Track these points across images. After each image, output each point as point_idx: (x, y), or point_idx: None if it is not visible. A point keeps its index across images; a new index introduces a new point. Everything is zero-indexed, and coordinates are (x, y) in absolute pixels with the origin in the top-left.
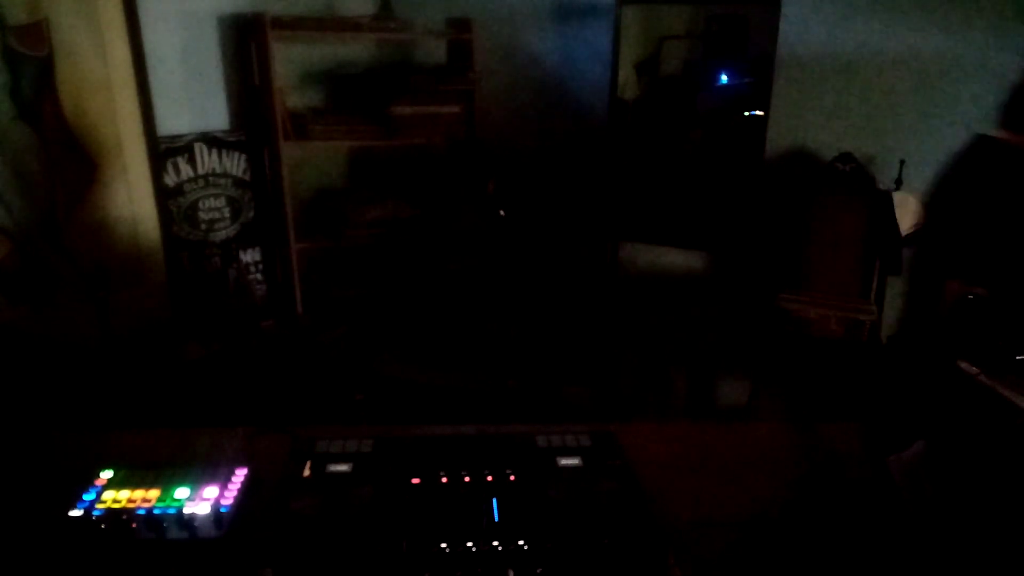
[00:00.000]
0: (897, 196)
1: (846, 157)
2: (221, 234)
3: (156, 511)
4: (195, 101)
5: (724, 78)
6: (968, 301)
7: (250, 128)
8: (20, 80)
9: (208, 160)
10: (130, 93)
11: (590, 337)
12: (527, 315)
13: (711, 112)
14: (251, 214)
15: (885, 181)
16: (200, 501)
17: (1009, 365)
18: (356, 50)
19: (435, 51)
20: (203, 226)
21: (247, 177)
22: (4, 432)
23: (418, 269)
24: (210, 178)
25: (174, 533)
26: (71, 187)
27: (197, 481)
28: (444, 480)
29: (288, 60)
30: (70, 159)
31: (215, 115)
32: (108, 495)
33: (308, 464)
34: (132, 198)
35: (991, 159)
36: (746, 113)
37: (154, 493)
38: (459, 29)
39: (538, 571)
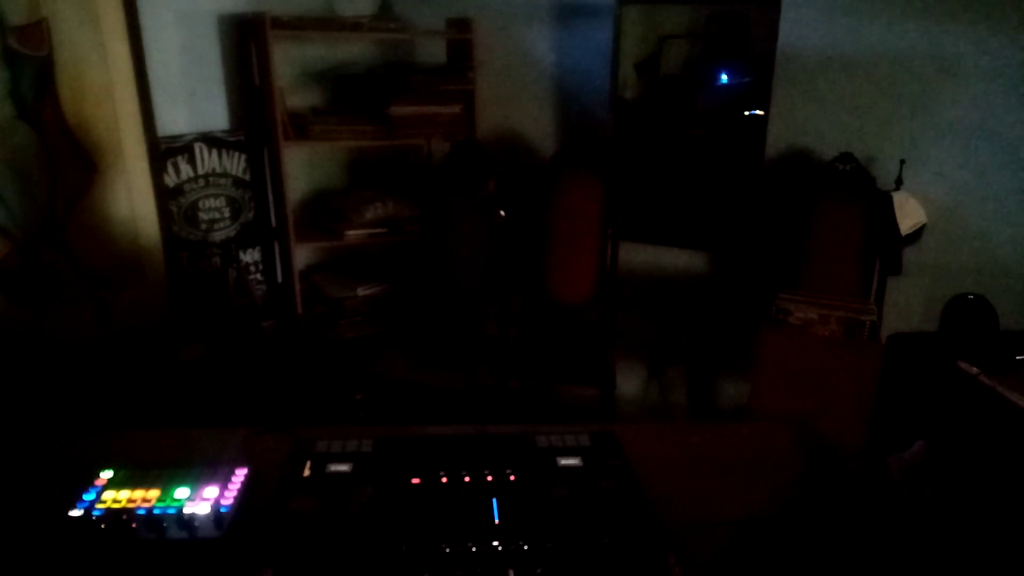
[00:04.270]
0: (897, 196)
1: (846, 157)
2: (221, 234)
3: (156, 511)
4: (195, 101)
5: (724, 78)
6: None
7: (250, 128)
8: (20, 80)
9: (208, 160)
10: (130, 93)
11: (590, 337)
12: (526, 316)
13: (711, 112)
14: (251, 214)
15: (885, 181)
16: (200, 501)
17: (1009, 365)
18: (356, 50)
19: (435, 51)
20: (203, 226)
21: (247, 177)
22: (4, 432)
23: (418, 269)
24: (210, 178)
25: (174, 533)
26: (71, 187)
27: (197, 481)
28: (444, 480)
29: (288, 60)
30: (70, 159)
31: (215, 115)
32: (108, 495)
33: (308, 464)
34: (132, 198)
35: None
36: (746, 113)
37: (154, 493)
38: (459, 29)
39: (538, 571)
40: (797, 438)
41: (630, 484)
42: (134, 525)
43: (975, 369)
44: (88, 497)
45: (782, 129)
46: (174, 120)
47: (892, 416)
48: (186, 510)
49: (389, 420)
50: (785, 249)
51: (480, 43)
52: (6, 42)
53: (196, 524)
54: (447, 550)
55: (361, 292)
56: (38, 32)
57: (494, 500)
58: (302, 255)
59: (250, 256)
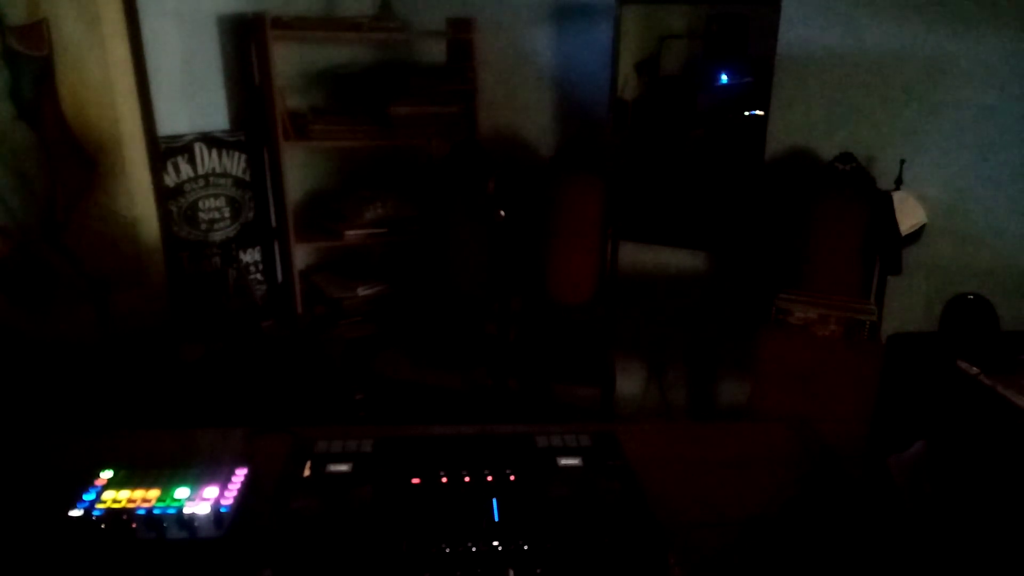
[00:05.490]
0: (897, 196)
1: (846, 157)
2: (221, 234)
3: (156, 511)
4: (195, 101)
5: (724, 78)
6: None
7: (250, 128)
8: (20, 80)
9: (208, 160)
10: (130, 93)
11: (590, 337)
12: (526, 316)
13: (711, 112)
14: (251, 214)
15: (885, 181)
16: (200, 501)
17: (1009, 365)
18: (356, 50)
19: (435, 51)
20: (203, 226)
21: (247, 177)
22: (4, 432)
23: (418, 269)
24: (210, 178)
25: (174, 533)
26: (71, 187)
27: (197, 481)
28: (444, 480)
29: (288, 60)
30: (70, 159)
31: (215, 115)
32: (108, 495)
33: (308, 464)
34: (132, 198)
35: None
36: (746, 113)
37: (154, 493)
38: (459, 29)
39: (538, 571)
40: (797, 438)
41: (630, 484)
42: (134, 525)
43: (975, 369)
44: (88, 497)
45: (782, 129)
46: (174, 120)
47: (892, 416)
48: (186, 510)
49: (389, 420)
50: (785, 249)
51: (480, 43)
52: (6, 42)
53: (196, 524)
54: (447, 550)
55: (361, 292)
56: (38, 32)
57: (494, 500)
58: (302, 255)
59: (250, 256)
